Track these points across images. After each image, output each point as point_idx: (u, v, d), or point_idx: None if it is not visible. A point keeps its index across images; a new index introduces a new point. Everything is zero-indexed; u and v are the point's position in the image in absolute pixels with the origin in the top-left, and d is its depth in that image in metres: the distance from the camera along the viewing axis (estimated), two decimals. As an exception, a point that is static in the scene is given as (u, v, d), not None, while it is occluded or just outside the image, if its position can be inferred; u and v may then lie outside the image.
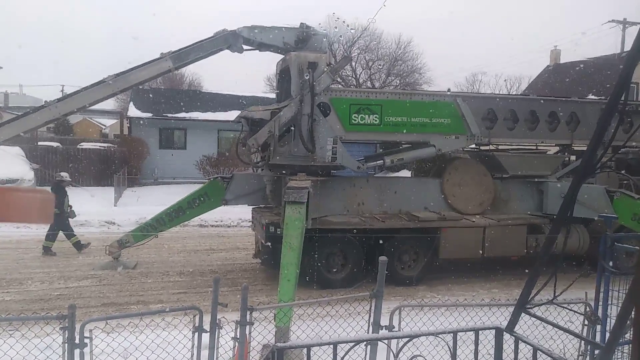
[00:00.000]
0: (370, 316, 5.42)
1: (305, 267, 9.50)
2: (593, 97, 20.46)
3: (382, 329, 5.26)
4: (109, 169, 24.09)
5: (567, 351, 5.57)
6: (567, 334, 3.55)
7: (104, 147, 27.17)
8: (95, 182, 23.63)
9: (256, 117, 10.22)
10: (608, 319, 4.67)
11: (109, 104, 45.69)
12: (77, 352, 4.45)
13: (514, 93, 36.83)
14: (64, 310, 4.56)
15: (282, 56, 10.75)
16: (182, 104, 27.62)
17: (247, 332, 5.26)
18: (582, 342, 5.39)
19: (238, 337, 5.20)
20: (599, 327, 4.84)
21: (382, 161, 10.99)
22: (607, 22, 34.31)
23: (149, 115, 26.67)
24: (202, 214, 12.20)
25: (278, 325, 6.57)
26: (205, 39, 10.16)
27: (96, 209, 18.21)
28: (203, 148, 25.74)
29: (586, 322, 5.07)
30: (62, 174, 13.70)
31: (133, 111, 26.91)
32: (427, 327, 5.49)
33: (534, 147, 12.21)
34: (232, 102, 27.97)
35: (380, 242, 10.21)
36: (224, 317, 5.32)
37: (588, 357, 5.13)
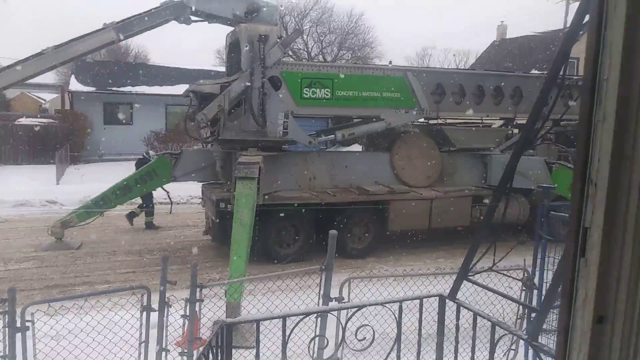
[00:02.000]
0: (320, 289, 5.51)
1: (257, 243, 9.51)
2: (536, 71, 21.15)
3: (332, 301, 5.36)
4: (50, 145, 23.00)
5: (507, 315, 5.86)
6: (508, 299, 3.72)
7: (44, 122, 25.80)
8: (35, 159, 22.54)
9: (205, 91, 10.00)
10: (544, 284, 4.93)
11: (49, 78, 43.19)
12: (18, 335, 4.30)
13: (462, 68, 37.50)
14: (3, 294, 4.38)
15: (232, 28, 10.50)
16: (127, 77, 26.55)
17: (197, 309, 5.25)
18: (521, 306, 5.68)
19: (188, 314, 5.18)
20: (536, 292, 5.11)
21: (333, 136, 11.05)
22: (552, -2, 35.23)
23: (92, 89, 25.52)
24: (150, 191, 11.92)
25: (229, 301, 6.58)
26: (151, 9, 9.77)
27: (37, 187, 17.43)
28: (150, 123, 24.96)
29: (524, 287, 5.34)
30: (150, 152, 14.17)
31: (75, 85, 25.66)
32: (375, 297, 5.62)
33: (480, 121, 12.55)
34: (181, 76, 27.14)
35: (332, 216, 10.32)
36: (172, 295, 5.25)
37: (525, 320, 5.43)
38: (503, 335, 3.03)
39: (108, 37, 9.52)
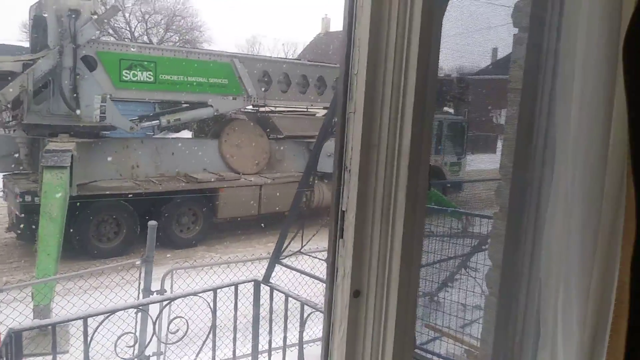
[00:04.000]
0: (140, 283, 5.26)
1: (73, 238, 8.75)
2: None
3: (153, 294, 5.15)
4: None
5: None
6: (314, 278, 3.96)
7: None
8: None
9: (2, 69, 8.78)
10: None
11: None
12: None
13: (290, 57, 38.57)
14: None
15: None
16: None
17: (-10, 317, 4.63)
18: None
19: (-21, 324, 4.53)
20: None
21: (157, 121, 10.58)
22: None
23: None
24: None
25: (36, 305, 5.94)
26: None
27: None
28: None
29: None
30: None
31: None
32: (200, 287, 5.54)
33: (305, 110, 13.06)
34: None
35: (157, 206, 9.89)
36: (-41, 303, 4.55)
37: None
38: (311, 313, 3.23)
39: None
